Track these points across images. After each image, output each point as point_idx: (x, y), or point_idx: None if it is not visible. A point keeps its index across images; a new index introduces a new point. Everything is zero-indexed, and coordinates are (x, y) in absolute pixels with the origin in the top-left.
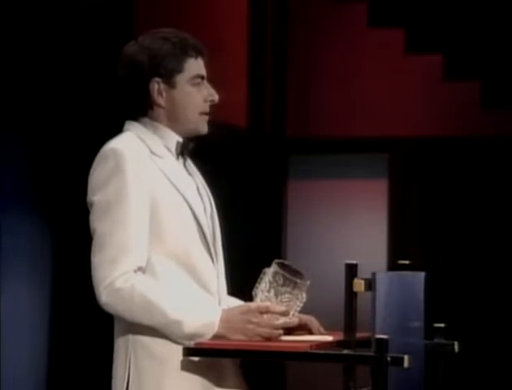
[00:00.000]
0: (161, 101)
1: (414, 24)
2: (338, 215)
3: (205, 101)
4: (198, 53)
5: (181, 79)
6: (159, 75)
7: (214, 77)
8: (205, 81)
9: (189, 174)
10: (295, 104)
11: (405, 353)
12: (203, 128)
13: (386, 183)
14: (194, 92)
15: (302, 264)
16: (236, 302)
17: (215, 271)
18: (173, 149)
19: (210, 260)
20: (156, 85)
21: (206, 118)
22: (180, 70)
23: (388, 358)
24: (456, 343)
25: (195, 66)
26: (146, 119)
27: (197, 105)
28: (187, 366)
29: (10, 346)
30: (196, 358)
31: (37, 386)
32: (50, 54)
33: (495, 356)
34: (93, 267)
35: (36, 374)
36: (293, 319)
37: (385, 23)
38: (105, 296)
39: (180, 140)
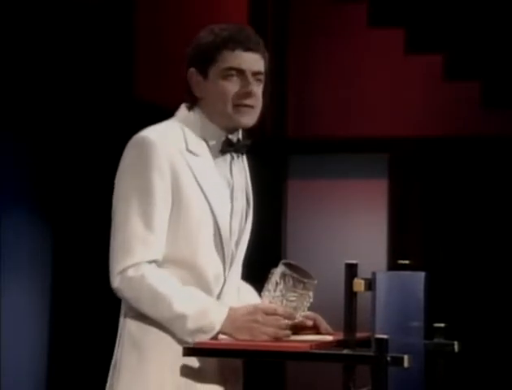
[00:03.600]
0: (197, 91)
1: (414, 24)
2: (338, 215)
3: (238, 93)
4: (238, 45)
5: (213, 70)
6: (195, 65)
7: None
8: (246, 74)
9: (231, 174)
10: (295, 104)
11: (405, 353)
12: (242, 121)
13: (386, 183)
14: (225, 84)
15: (302, 264)
16: (247, 297)
17: (223, 276)
18: (216, 146)
19: (220, 264)
20: (192, 76)
21: (246, 110)
22: (212, 61)
23: (388, 358)
24: (456, 343)
25: (228, 58)
26: (198, 110)
27: (228, 97)
28: (167, 357)
29: (10, 346)
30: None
31: (37, 386)
32: (50, 53)
33: (495, 356)
34: (111, 250)
35: (36, 373)
36: (301, 320)
37: (385, 23)
38: (117, 283)
39: (223, 137)
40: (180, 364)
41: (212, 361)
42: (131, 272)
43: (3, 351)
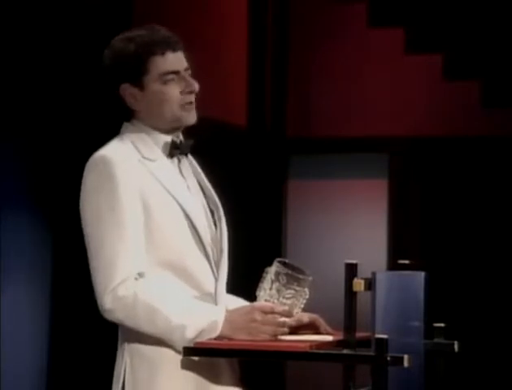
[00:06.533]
0: (136, 105)
1: (414, 24)
2: (338, 215)
3: (182, 93)
4: (166, 48)
5: (149, 79)
6: (126, 80)
7: (215, 77)
8: (181, 74)
9: (182, 175)
10: (295, 104)
11: (404, 353)
12: (189, 119)
13: (386, 183)
14: (166, 89)
15: (302, 264)
16: (238, 302)
17: (212, 273)
18: (162, 149)
19: (206, 262)
20: (127, 90)
21: (191, 108)
22: (144, 71)
23: (388, 358)
24: (456, 343)
25: (162, 63)
26: (135, 121)
27: (174, 100)
28: (179, 370)
29: (11, 346)
30: (195, 358)
31: (37, 386)
32: (49, 53)
33: (495, 356)
34: (93, 274)
35: (37, 373)
36: (298, 316)
37: (385, 23)
38: (108, 304)
39: (168, 140)
40: (192, 375)
41: (224, 370)
42: (121, 291)
43: (3, 351)
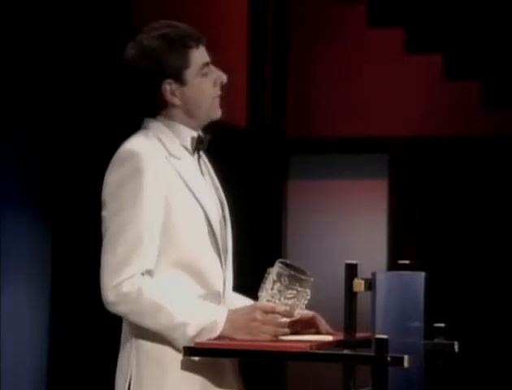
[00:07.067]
0: (176, 100)
1: (414, 24)
2: (338, 215)
3: (214, 85)
4: (198, 41)
5: (190, 74)
6: (168, 76)
7: None
8: (210, 66)
9: (202, 173)
10: (295, 104)
11: (405, 353)
12: (218, 113)
13: (386, 183)
14: (204, 81)
15: (302, 264)
16: (244, 301)
17: (223, 275)
18: (189, 146)
19: (219, 264)
20: (168, 87)
21: (218, 101)
22: (186, 65)
23: (388, 358)
24: (456, 343)
25: (199, 55)
26: (162, 117)
27: (209, 92)
28: (187, 372)
29: (11, 346)
30: (196, 358)
31: (37, 386)
32: (49, 53)
33: (495, 356)
34: (101, 265)
35: (37, 373)
36: (299, 316)
37: (385, 23)
38: (111, 298)
39: (195, 135)
40: (198, 378)
41: (229, 373)
42: (126, 287)
43: (3, 350)
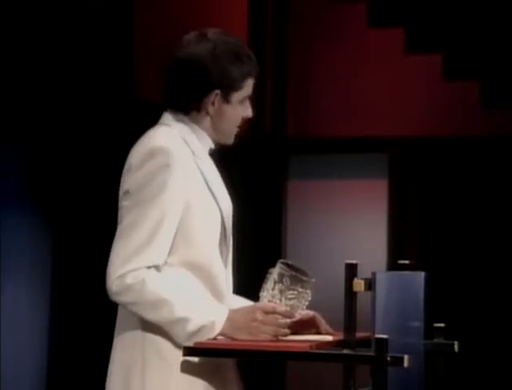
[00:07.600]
0: (211, 110)
1: (414, 24)
2: (338, 215)
3: (243, 117)
4: (256, 73)
5: (237, 97)
6: (220, 88)
7: None
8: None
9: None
10: (295, 104)
11: (405, 353)
12: (230, 140)
13: (386, 183)
14: (240, 110)
15: (303, 264)
16: (242, 302)
17: (225, 276)
18: (207, 152)
19: (224, 266)
20: (214, 96)
21: (236, 132)
22: (239, 88)
23: (388, 358)
24: (456, 343)
25: (250, 86)
26: (186, 118)
27: (238, 121)
28: (193, 371)
29: (11, 345)
30: (196, 359)
31: (37, 385)
32: (49, 54)
33: (495, 356)
34: (111, 253)
35: (37, 373)
36: (299, 316)
37: (385, 23)
38: (115, 287)
39: (213, 146)
40: (209, 376)
41: (233, 376)
42: (130, 279)
43: (3, 350)
